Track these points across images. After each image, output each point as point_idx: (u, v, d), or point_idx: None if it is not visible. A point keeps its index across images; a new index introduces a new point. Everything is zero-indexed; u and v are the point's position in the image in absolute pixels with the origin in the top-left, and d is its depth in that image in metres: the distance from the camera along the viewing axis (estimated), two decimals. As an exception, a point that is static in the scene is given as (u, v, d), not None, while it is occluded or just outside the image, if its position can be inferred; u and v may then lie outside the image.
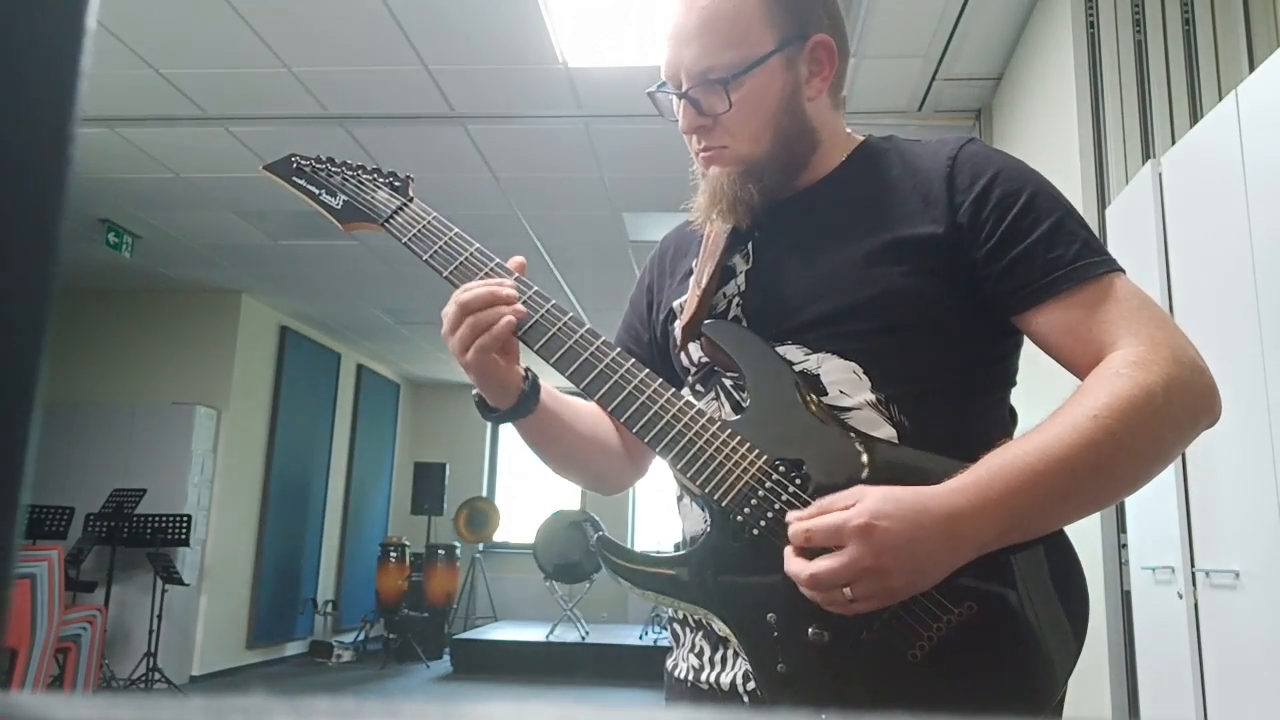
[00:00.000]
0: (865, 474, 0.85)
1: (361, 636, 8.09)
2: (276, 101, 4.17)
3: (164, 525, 6.01)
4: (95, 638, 5.16)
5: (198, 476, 6.68)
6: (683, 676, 0.99)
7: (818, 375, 0.92)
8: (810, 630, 0.83)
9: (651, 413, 0.92)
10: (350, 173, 1.10)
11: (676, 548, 1.00)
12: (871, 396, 0.90)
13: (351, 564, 8.89)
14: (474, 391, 1.01)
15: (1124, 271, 0.90)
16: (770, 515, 0.86)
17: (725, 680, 0.93)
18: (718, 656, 0.95)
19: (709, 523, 0.90)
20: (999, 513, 0.79)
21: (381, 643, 7.83)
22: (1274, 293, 1.89)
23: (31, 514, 5.84)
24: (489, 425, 10.23)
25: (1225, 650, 2.06)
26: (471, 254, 1.01)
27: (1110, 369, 0.84)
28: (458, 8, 3.46)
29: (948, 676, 0.81)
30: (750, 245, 1.02)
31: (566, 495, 9.12)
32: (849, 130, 1.07)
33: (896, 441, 0.89)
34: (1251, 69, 2.67)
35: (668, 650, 1.06)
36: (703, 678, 0.96)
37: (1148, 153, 2.81)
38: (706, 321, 0.99)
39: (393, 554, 8.12)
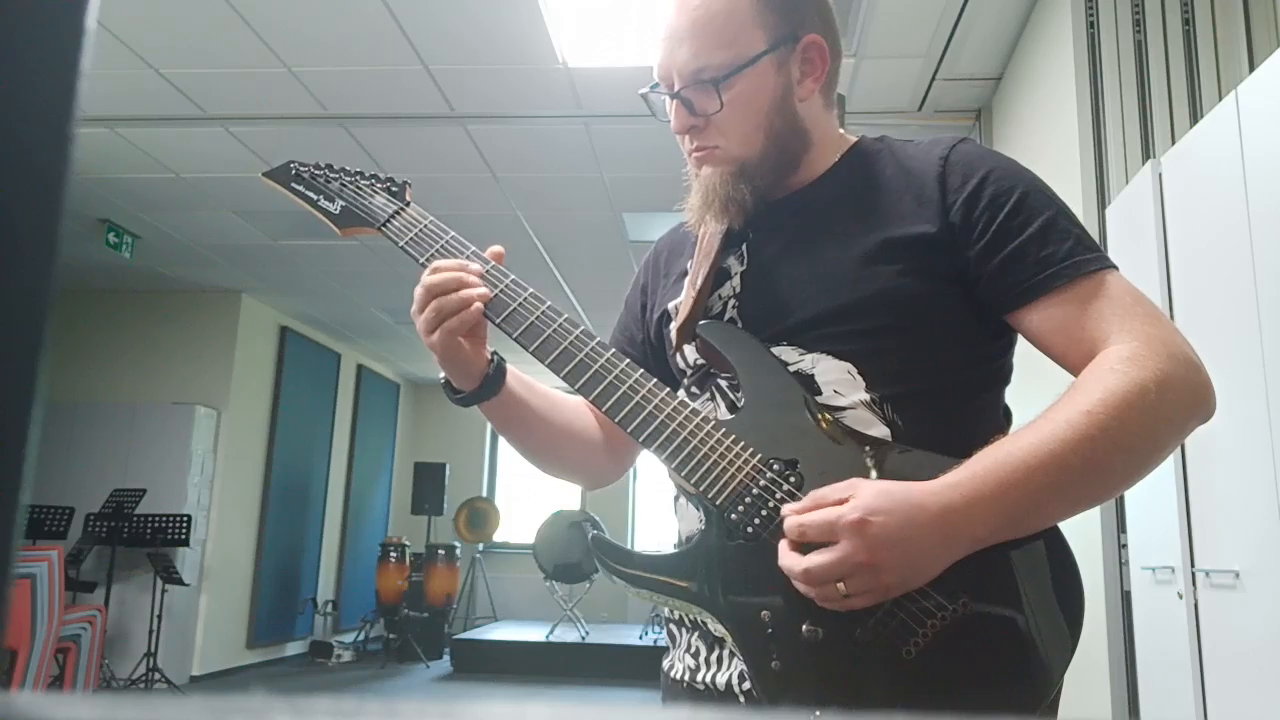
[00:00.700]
0: (859, 473, 0.85)
1: (361, 636, 8.09)
2: (276, 101, 4.17)
3: (164, 525, 6.01)
4: (95, 638, 5.16)
5: (198, 476, 6.68)
6: (679, 677, 0.99)
7: (812, 375, 0.92)
8: (804, 627, 0.83)
9: (634, 404, 0.92)
10: (348, 178, 1.12)
11: (674, 548, 1.00)
12: (866, 396, 0.90)
13: (351, 564, 8.89)
14: (440, 375, 1.02)
15: (1117, 268, 0.91)
16: (764, 513, 0.86)
17: (721, 680, 0.93)
18: (714, 657, 0.95)
19: (704, 522, 0.90)
20: (992, 508, 0.79)
21: (381, 643, 7.83)
22: (1274, 292, 1.89)
23: (31, 514, 5.84)
24: (489, 426, 10.28)
25: (1225, 650, 2.06)
26: (468, 257, 1.02)
27: (1104, 365, 0.84)
28: (458, 8, 3.46)
29: (942, 673, 0.81)
30: (745, 247, 1.02)
31: (566, 495, 9.12)
32: (842, 131, 1.07)
33: (891, 441, 0.89)
34: (1251, 69, 2.67)
35: (665, 650, 1.06)
36: (699, 678, 0.96)
37: (1148, 153, 2.81)
38: (701, 323, 0.99)
39: (393, 554, 8.12)
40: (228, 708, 0.22)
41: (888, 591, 0.79)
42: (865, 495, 0.78)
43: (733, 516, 0.88)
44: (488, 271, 1.00)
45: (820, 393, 0.91)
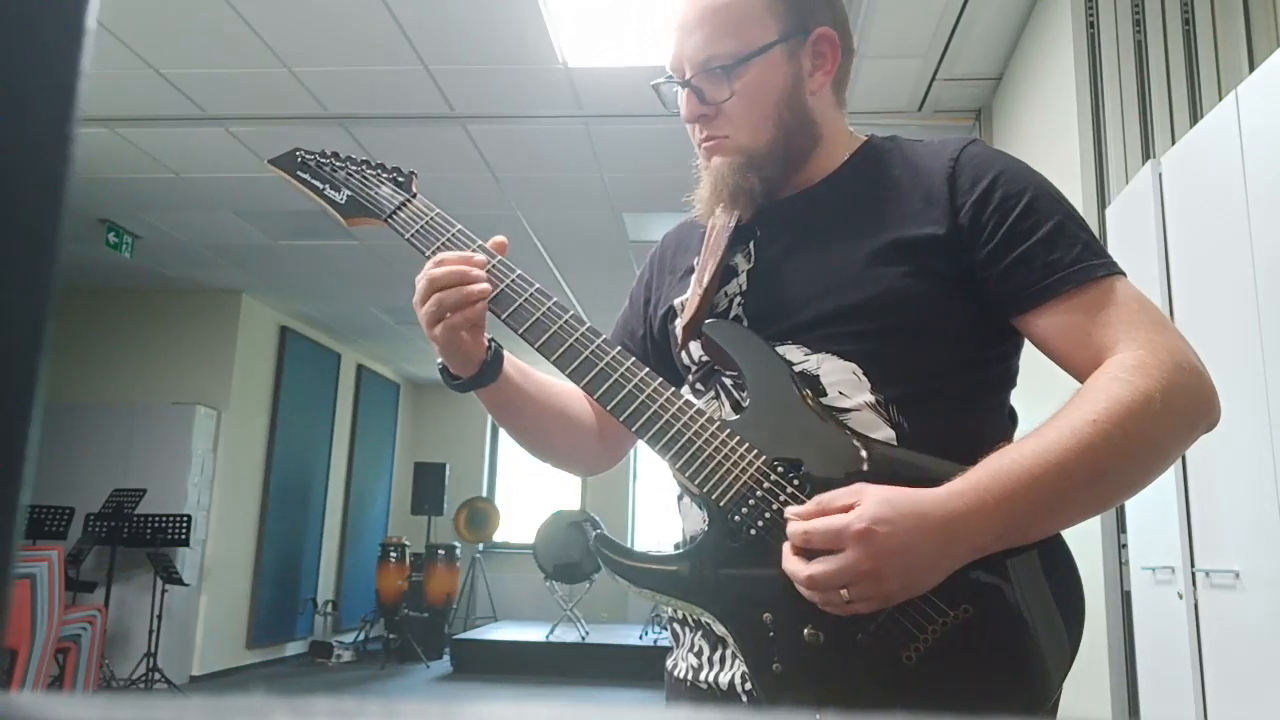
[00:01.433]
0: (863, 476, 0.84)
1: (361, 636, 8.09)
2: (276, 101, 4.17)
3: (164, 525, 6.01)
4: (95, 638, 5.16)
5: (198, 476, 6.68)
6: (682, 676, 0.99)
7: (817, 376, 0.92)
8: (806, 631, 0.83)
9: (639, 403, 0.92)
10: (354, 168, 1.11)
11: (676, 548, 1.00)
12: (871, 398, 0.90)
13: (351, 564, 8.89)
14: (438, 360, 1.02)
15: (1124, 274, 0.90)
16: (768, 515, 0.86)
17: (724, 680, 0.93)
18: (717, 656, 0.95)
19: (707, 522, 0.90)
20: (996, 517, 0.79)
21: (381, 643, 7.83)
22: (1274, 293, 1.89)
23: (31, 514, 5.84)
24: (489, 425, 10.32)
25: (1225, 650, 2.06)
26: (474, 250, 1.01)
27: (1109, 373, 0.84)
28: (458, 8, 3.46)
29: (942, 679, 0.81)
30: (752, 244, 1.02)
31: (566, 495, 9.13)
32: (851, 130, 1.07)
33: (895, 443, 0.89)
34: (1251, 69, 2.67)
35: (668, 650, 1.06)
36: (702, 677, 0.96)
37: (1148, 153, 2.81)
38: (707, 321, 0.99)
39: (393, 554, 8.12)
40: (228, 708, 0.22)
41: (890, 599, 0.79)
42: (870, 503, 0.78)
43: (736, 518, 0.88)
44: (493, 265, 0.99)
45: (825, 394, 0.91)
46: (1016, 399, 1.01)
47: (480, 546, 9.55)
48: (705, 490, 0.89)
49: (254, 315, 7.29)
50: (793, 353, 0.94)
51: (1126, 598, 2.57)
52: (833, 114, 1.03)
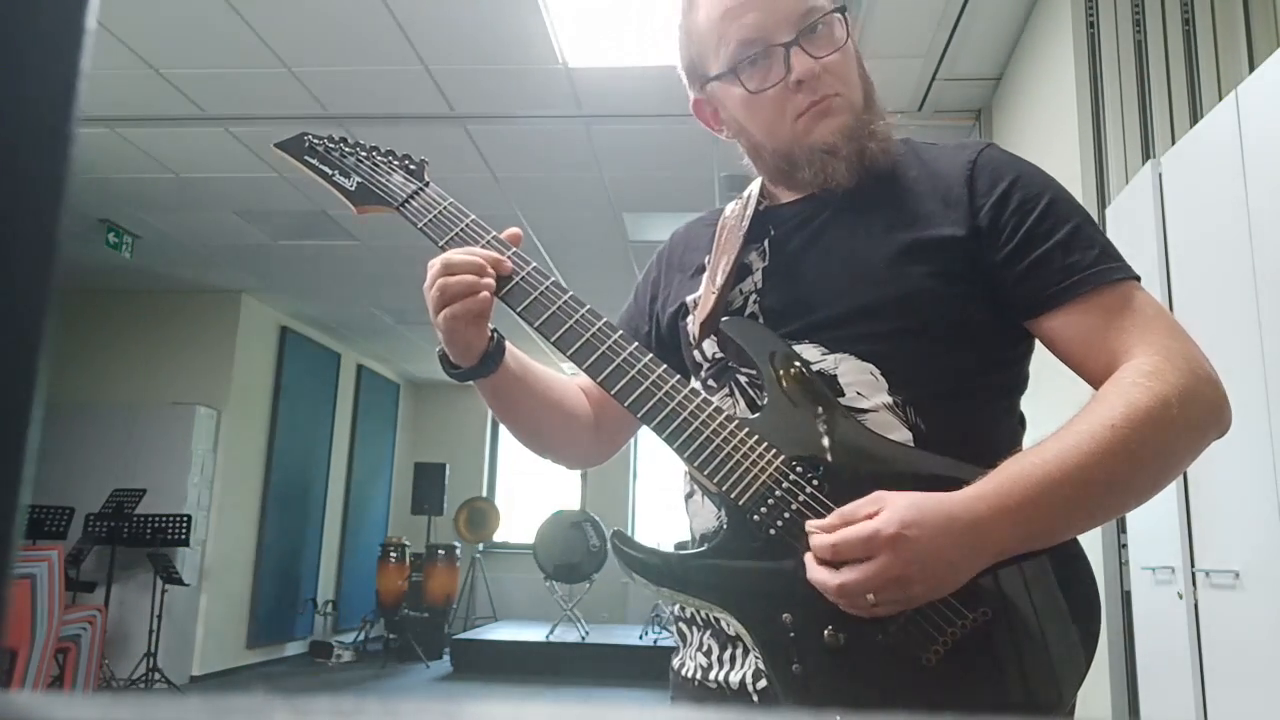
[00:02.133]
0: (882, 477, 0.84)
1: (361, 636, 8.09)
2: (276, 101, 4.17)
3: (164, 525, 6.01)
4: (95, 638, 5.16)
5: (198, 476, 6.68)
6: (690, 675, 0.99)
7: (835, 375, 0.92)
8: (826, 632, 0.83)
9: (656, 399, 0.91)
10: (364, 153, 1.09)
11: (678, 547, 1.00)
12: (888, 399, 0.90)
13: (351, 564, 8.89)
14: (438, 347, 1.01)
15: (1139, 279, 0.91)
16: (787, 516, 0.86)
17: (734, 679, 0.93)
18: (727, 655, 0.94)
19: (724, 521, 0.90)
20: (1020, 519, 0.79)
21: (381, 643, 7.82)
22: (1273, 292, 1.89)
23: (31, 514, 5.84)
24: (489, 425, 10.31)
25: (1225, 650, 2.06)
26: (488, 242, 1.01)
27: (1125, 379, 0.84)
28: (458, 8, 3.46)
29: (961, 681, 0.81)
30: (766, 243, 1.01)
31: (566, 495, 9.12)
32: None
33: (912, 445, 0.88)
34: (1251, 69, 2.67)
35: (673, 650, 1.05)
36: (711, 676, 0.95)
37: (1148, 153, 2.81)
38: (725, 318, 0.98)
39: (393, 554, 8.12)
40: (228, 708, 0.22)
41: (914, 601, 0.79)
42: (898, 509, 0.78)
43: (755, 518, 0.87)
44: (509, 258, 0.98)
45: (843, 394, 0.91)
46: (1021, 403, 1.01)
47: (480, 546, 9.55)
48: (724, 488, 0.88)
49: (254, 315, 7.29)
50: (810, 352, 0.93)
51: (1126, 598, 2.57)
52: None
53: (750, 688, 0.91)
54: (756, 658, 0.87)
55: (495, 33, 3.62)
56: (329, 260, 6.35)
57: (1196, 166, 2.24)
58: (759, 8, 0.96)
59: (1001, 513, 0.79)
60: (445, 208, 1.03)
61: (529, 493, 9.98)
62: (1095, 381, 0.88)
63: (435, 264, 0.95)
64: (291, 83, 4.01)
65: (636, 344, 0.94)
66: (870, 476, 0.84)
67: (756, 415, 0.93)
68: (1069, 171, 2.89)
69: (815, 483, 0.86)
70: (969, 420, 0.91)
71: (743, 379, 0.98)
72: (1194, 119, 2.73)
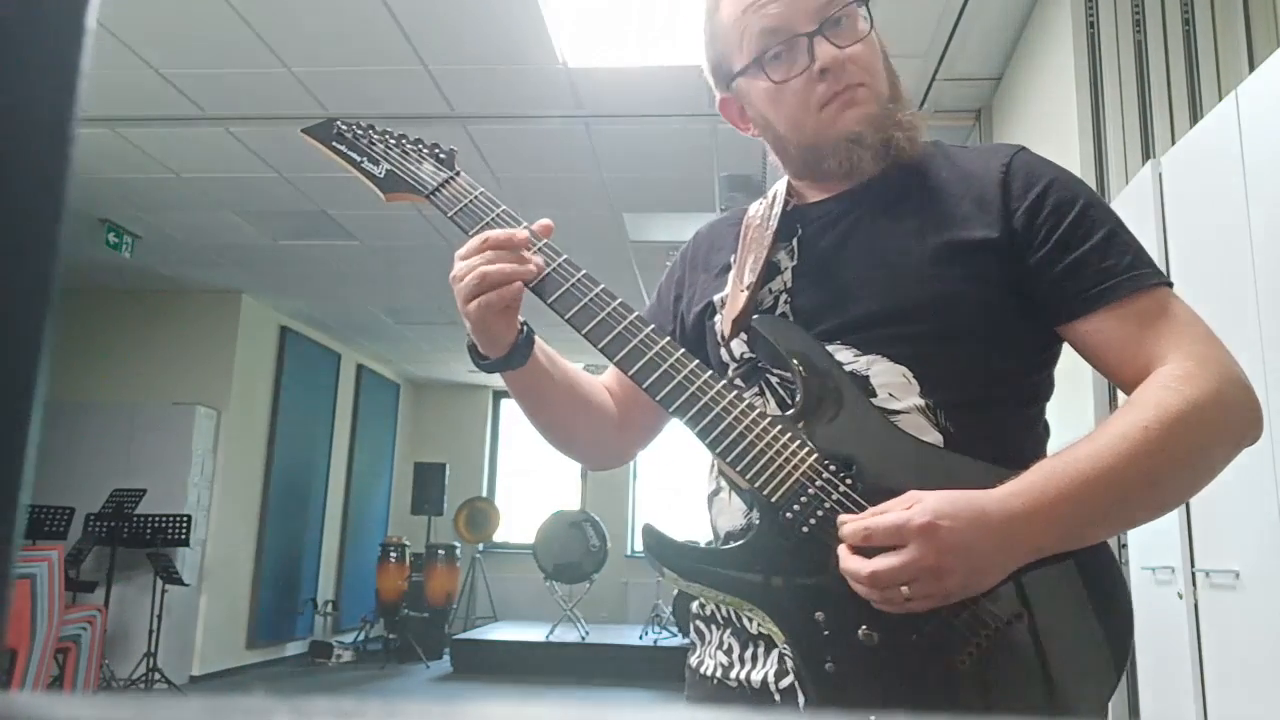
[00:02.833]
0: (915, 477, 0.84)
1: (361, 636, 8.09)
2: (276, 101, 4.17)
3: (164, 525, 6.01)
4: (95, 638, 5.16)
5: (198, 476, 6.68)
6: (709, 673, 0.98)
7: (867, 376, 0.91)
8: (860, 631, 0.82)
9: (689, 394, 0.90)
10: (394, 140, 1.07)
11: (724, 543, 0.99)
12: (920, 401, 0.90)
13: (351, 564, 8.89)
14: (468, 338, 1.00)
15: (1173, 285, 0.91)
16: (820, 514, 0.85)
17: (756, 677, 0.92)
18: (748, 654, 0.94)
19: (755, 518, 0.89)
20: (1053, 518, 0.79)
21: (381, 643, 7.83)
22: (1273, 292, 1.89)
23: (31, 514, 5.84)
24: (489, 425, 10.31)
25: (1225, 650, 2.06)
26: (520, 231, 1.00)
27: (1159, 383, 0.84)
28: (458, 8, 3.46)
29: (993, 686, 0.81)
30: (795, 242, 1.01)
31: (567, 495, 9.12)
32: None
33: (944, 448, 0.88)
34: (1251, 69, 2.67)
35: (689, 648, 1.05)
36: (732, 675, 0.95)
37: (1148, 153, 2.81)
38: (756, 317, 0.97)
39: (393, 554, 8.12)
40: (228, 708, 0.22)
41: (948, 597, 0.79)
42: (931, 499, 0.78)
43: (788, 515, 0.87)
44: (540, 249, 0.96)
45: (875, 395, 0.91)
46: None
47: (480, 546, 9.55)
48: (757, 485, 0.88)
49: (254, 315, 7.29)
50: (842, 353, 0.93)
51: (1126, 598, 2.57)
52: None
53: (772, 686, 0.90)
54: (786, 656, 0.87)
55: (495, 33, 3.62)
56: (329, 260, 6.34)
57: (1196, 166, 2.24)
58: (781, 0, 0.96)
59: (1035, 510, 0.79)
60: (476, 197, 1.01)
61: (529, 493, 9.98)
62: (1128, 386, 0.88)
63: (461, 253, 0.94)
64: (291, 83, 4.01)
65: (669, 338, 0.93)
66: (903, 476, 0.84)
67: (789, 412, 0.92)
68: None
69: (849, 482, 0.86)
70: (998, 425, 0.91)
71: (773, 379, 0.97)
72: (1194, 119, 2.73)
